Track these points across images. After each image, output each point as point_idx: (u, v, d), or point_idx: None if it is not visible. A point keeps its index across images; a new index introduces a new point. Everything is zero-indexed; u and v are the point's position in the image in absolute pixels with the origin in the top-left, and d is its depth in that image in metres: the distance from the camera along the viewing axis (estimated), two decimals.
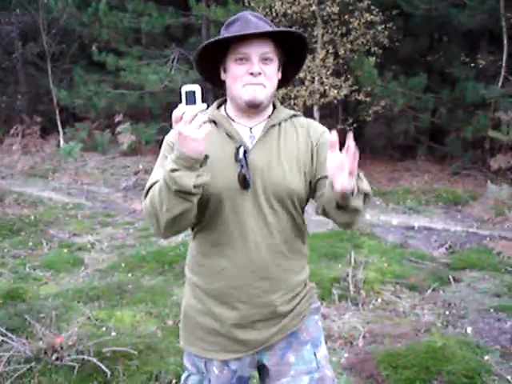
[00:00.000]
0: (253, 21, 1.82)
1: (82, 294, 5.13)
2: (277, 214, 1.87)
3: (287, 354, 2.00)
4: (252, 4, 11.06)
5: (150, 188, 1.80)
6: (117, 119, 14.63)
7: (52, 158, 14.88)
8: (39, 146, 16.12)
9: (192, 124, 1.57)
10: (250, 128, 1.91)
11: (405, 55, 12.09)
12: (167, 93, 13.86)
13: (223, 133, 1.89)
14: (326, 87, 10.65)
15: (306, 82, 10.72)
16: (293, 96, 10.84)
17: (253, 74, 1.80)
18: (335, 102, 11.00)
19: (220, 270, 1.91)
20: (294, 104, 10.83)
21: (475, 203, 9.07)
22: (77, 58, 17.42)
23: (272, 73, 1.84)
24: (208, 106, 1.77)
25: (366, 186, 1.71)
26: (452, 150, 11.98)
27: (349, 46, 10.82)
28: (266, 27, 1.83)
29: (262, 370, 2.07)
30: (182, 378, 2.15)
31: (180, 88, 1.67)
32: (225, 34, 1.84)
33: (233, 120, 1.92)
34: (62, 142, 16.12)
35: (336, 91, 10.59)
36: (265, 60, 1.82)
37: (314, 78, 10.77)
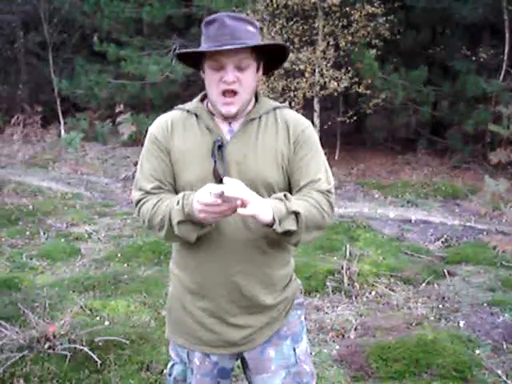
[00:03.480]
0: (228, 24, 1.78)
1: (77, 284, 5.16)
2: None
3: (267, 348, 2.01)
4: None
5: (141, 189, 1.92)
6: (117, 109, 14.60)
7: (52, 148, 14.87)
8: (40, 135, 16.11)
9: (218, 214, 1.65)
10: (230, 122, 1.91)
11: (406, 48, 12.04)
12: (168, 83, 13.83)
13: (203, 126, 1.90)
14: (326, 79, 10.62)
15: (307, 74, 10.70)
16: (293, 88, 10.82)
17: (226, 82, 1.80)
18: (335, 94, 10.97)
19: (199, 265, 1.93)
20: (294, 96, 10.81)
21: (474, 197, 9.06)
22: (78, 48, 17.38)
23: (247, 78, 1.83)
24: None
25: (293, 205, 1.75)
26: (452, 143, 11.95)
27: (350, 38, 10.78)
28: (244, 29, 1.80)
29: (243, 361, 2.09)
30: (168, 366, 2.20)
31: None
32: (204, 33, 1.84)
33: (213, 114, 1.93)
34: (62, 131, 16.12)
35: (336, 83, 10.56)
36: (240, 67, 1.81)
37: (314, 69, 10.75)
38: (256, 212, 1.63)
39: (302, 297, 2.17)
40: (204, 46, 1.81)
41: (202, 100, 1.99)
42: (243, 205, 1.61)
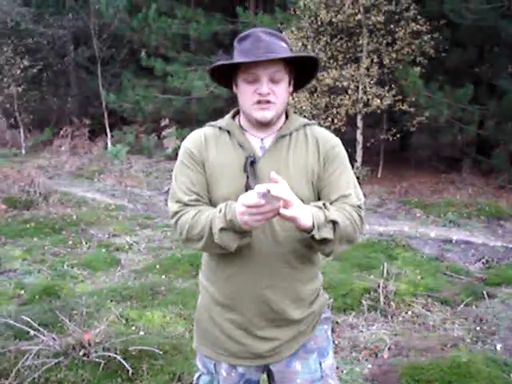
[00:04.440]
0: (263, 39, 1.84)
1: (115, 294, 5.25)
2: (284, 223, 1.86)
3: (293, 361, 2.03)
4: (297, 12, 11.10)
5: (178, 201, 1.93)
6: (163, 123, 14.87)
7: (99, 160, 15.21)
8: (87, 147, 16.52)
9: (262, 216, 1.62)
10: (262, 139, 1.96)
11: (451, 66, 11.89)
12: (213, 98, 14.04)
13: (235, 142, 1.94)
14: (370, 96, 10.59)
15: (350, 91, 10.69)
16: (336, 105, 10.81)
17: (261, 95, 1.84)
18: (379, 111, 10.92)
19: (228, 277, 1.96)
20: (337, 113, 10.80)
21: None
22: (126, 62, 17.81)
23: (281, 91, 1.88)
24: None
25: (332, 214, 1.76)
26: (498, 163, 11.71)
27: (394, 55, 10.72)
28: (278, 44, 1.85)
29: (269, 373, 2.10)
30: (195, 377, 2.24)
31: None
32: (237, 48, 1.89)
33: (246, 130, 1.97)
34: (109, 144, 16.48)
35: (379, 101, 10.51)
36: (274, 80, 1.85)
37: (357, 86, 10.73)
38: (298, 215, 1.64)
39: (329, 311, 2.18)
40: (239, 60, 1.85)
41: (233, 117, 2.04)
42: (285, 207, 1.61)
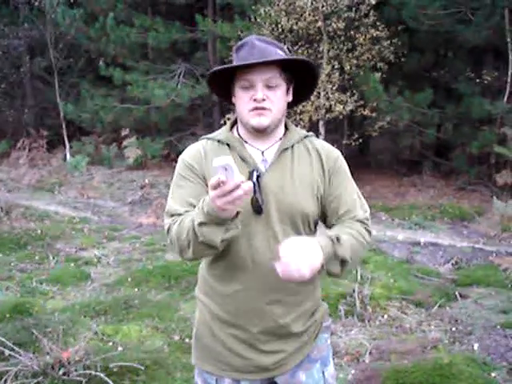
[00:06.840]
0: (258, 46, 1.82)
1: (88, 309, 5.15)
2: (288, 236, 1.83)
3: (298, 372, 2.01)
4: (258, 20, 11.12)
5: (173, 214, 1.85)
6: (123, 133, 14.70)
7: (58, 172, 14.92)
8: (46, 159, 16.17)
9: (230, 197, 1.54)
10: (262, 152, 1.92)
11: (410, 71, 12.11)
12: (173, 107, 13.92)
13: (237, 156, 1.88)
14: (332, 102, 10.68)
15: (312, 98, 10.73)
16: (298, 111, 10.86)
17: (256, 101, 1.81)
18: (341, 117, 11.02)
19: (231, 294, 1.92)
20: (300, 119, 10.86)
21: (481, 219, 9.06)
22: (84, 72, 17.50)
23: (278, 97, 1.85)
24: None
25: (343, 251, 1.76)
26: (457, 165, 11.96)
27: (354, 61, 10.85)
28: (273, 51, 1.83)
29: None
30: None
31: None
32: (234, 57, 1.87)
33: (245, 142, 1.93)
34: (68, 155, 16.17)
35: (342, 106, 10.61)
36: (269, 86, 1.82)
37: (319, 93, 10.80)
38: (311, 268, 1.65)
39: (329, 320, 2.18)
40: (232, 64, 1.84)
41: (230, 128, 2.00)
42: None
